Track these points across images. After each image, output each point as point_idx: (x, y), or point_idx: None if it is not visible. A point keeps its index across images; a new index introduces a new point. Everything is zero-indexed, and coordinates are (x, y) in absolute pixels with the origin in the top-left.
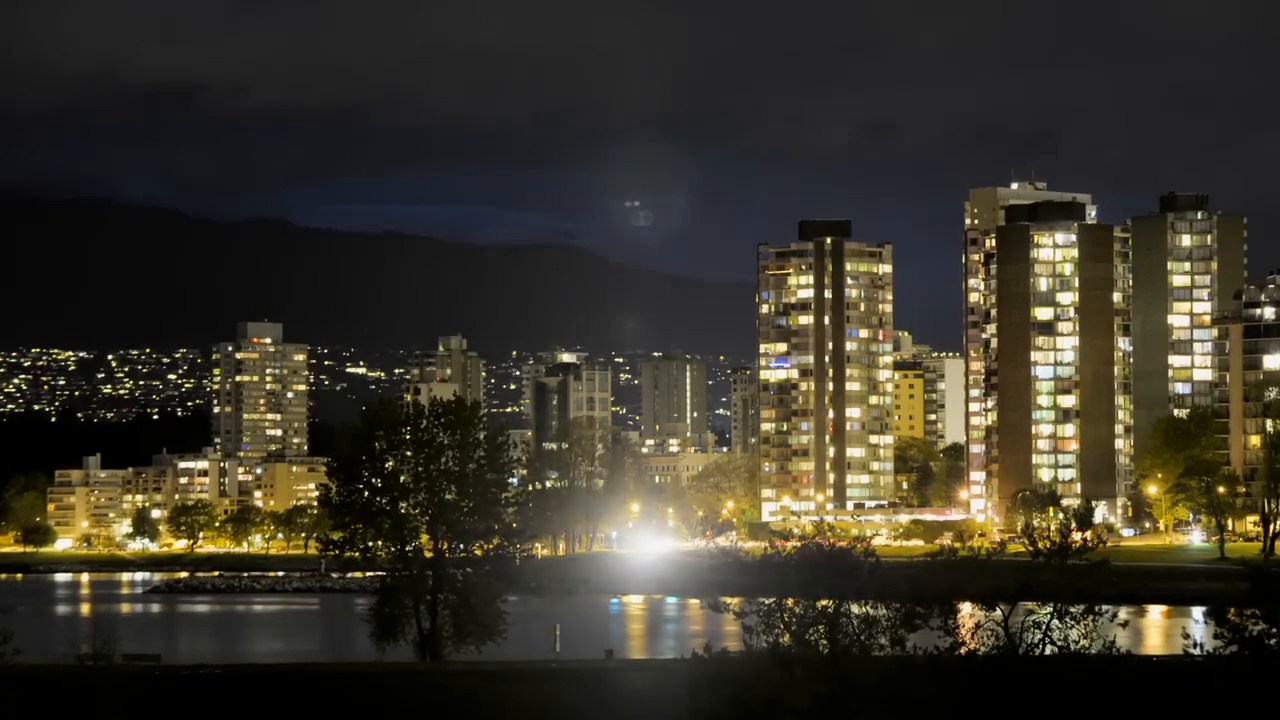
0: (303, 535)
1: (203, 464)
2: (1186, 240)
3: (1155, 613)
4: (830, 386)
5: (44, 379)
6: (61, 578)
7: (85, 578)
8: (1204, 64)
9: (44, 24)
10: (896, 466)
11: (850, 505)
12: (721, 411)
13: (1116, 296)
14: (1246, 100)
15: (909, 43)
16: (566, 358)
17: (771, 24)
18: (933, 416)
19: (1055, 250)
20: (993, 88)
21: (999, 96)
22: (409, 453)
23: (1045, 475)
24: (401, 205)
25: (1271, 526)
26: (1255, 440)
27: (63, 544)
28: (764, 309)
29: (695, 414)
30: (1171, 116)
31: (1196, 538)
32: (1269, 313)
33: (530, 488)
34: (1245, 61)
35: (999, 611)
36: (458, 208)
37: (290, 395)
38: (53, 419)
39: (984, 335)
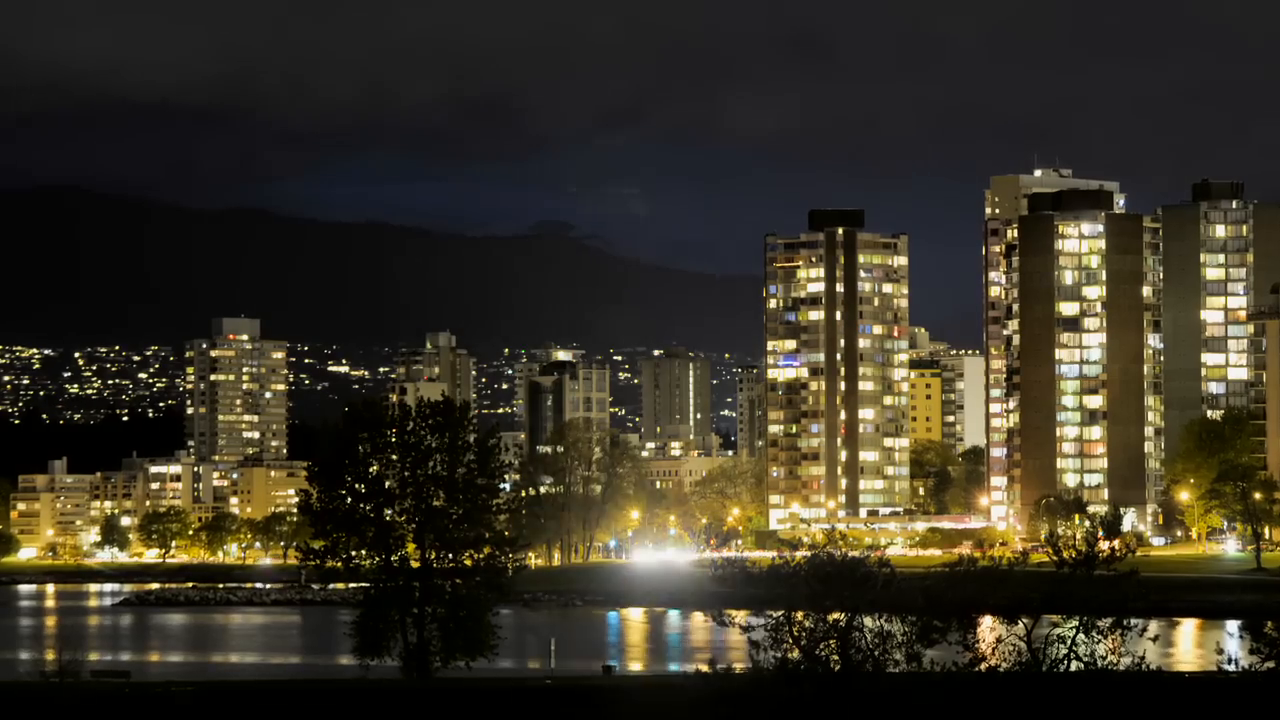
0: (281, 544)
1: (175, 468)
2: (1220, 230)
3: (1187, 626)
4: (842, 386)
5: (6, 378)
6: (25, 589)
7: (50, 589)
8: (1217, 56)
9: None
10: (912, 471)
11: (863, 512)
12: (726, 413)
13: (1146, 290)
14: (1261, 89)
15: (914, 32)
16: (562, 355)
17: (774, 9)
18: (951, 418)
19: (1081, 241)
20: (1001, 79)
21: (1008, 88)
22: (394, 456)
23: (1070, 480)
24: (387, 194)
25: None
26: None
27: (26, 553)
28: (771, 304)
29: (698, 415)
30: (1189, 108)
31: (1231, 547)
32: None
33: (523, 493)
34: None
35: (1021, 625)
36: (448, 197)
37: (268, 395)
38: (16, 420)
39: (1005, 332)
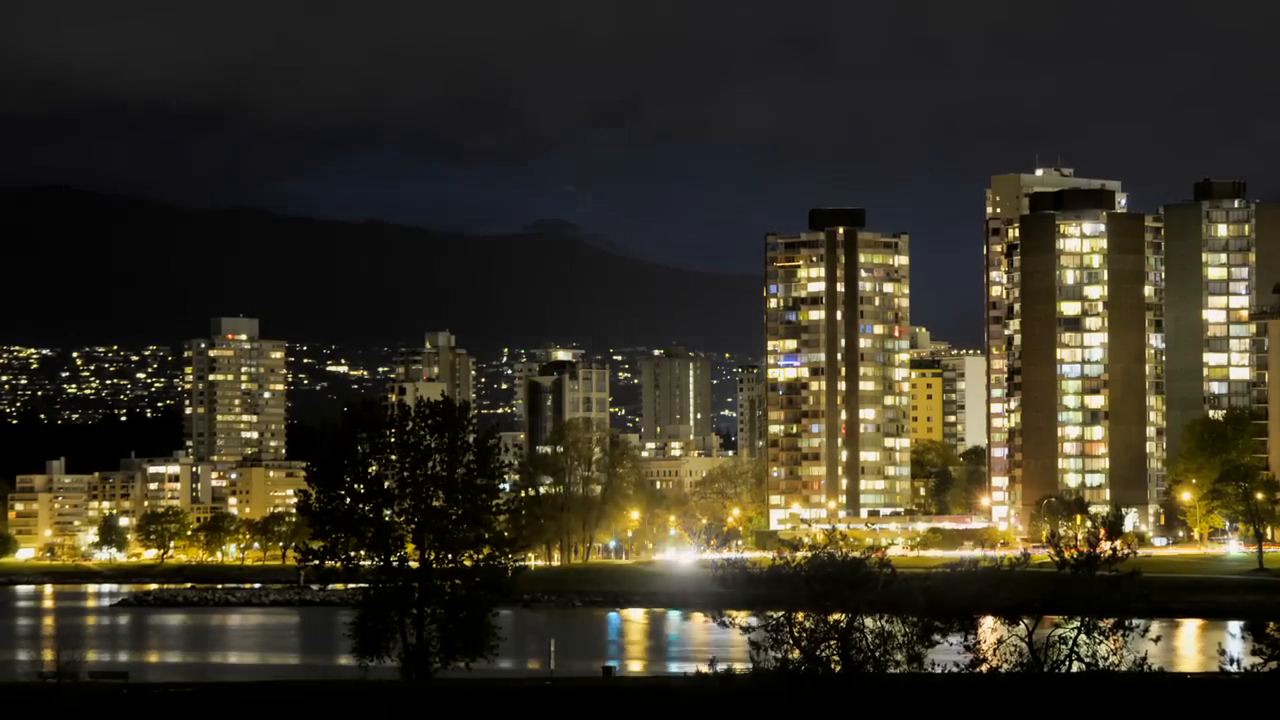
0: (280, 544)
1: (174, 469)
2: (1222, 230)
3: (1190, 627)
4: (843, 386)
5: (4, 378)
6: (23, 590)
7: (48, 590)
8: (1217, 56)
9: None
10: (913, 471)
11: (864, 513)
12: (727, 413)
13: (1148, 290)
14: (1261, 90)
15: (914, 32)
16: (562, 355)
17: (773, 9)
18: (952, 418)
19: (1083, 241)
20: (1001, 79)
21: (1008, 88)
22: (394, 457)
23: (1072, 481)
24: (386, 194)
25: None
26: None
27: (24, 554)
28: (772, 303)
29: (699, 415)
30: (1189, 108)
31: (1233, 547)
32: None
33: (523, 494)
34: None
35: (1022, 626)
36: (447, 197)
37: (267, 395)
38: (14, 420)
39: (1007, 331)
